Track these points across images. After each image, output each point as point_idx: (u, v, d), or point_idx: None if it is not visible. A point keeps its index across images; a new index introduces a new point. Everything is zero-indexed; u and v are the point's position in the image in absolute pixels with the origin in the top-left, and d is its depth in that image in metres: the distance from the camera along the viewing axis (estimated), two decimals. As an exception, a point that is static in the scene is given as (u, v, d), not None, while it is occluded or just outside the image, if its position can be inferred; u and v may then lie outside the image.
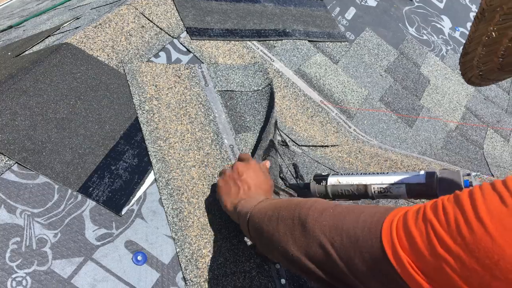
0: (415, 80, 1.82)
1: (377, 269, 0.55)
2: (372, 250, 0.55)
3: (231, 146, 1.20)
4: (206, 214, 1.04)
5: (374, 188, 1.01)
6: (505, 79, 0.75)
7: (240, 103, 1.31)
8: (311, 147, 1.34)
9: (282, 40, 1.57)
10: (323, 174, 1.08)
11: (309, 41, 1.65)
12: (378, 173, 1.03)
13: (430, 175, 0.96)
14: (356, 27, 1.84)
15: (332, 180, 1.07)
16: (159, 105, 1.16)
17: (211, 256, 0.99)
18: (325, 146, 1.37)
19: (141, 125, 1.10)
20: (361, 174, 1.05)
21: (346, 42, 1.75)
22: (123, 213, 0.95)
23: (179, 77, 1.26)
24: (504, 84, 2.15)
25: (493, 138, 1.81)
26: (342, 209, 0.66)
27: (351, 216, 0.63)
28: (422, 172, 0.98)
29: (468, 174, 0.94)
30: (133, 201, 0.98)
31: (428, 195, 0.96)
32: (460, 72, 0.75)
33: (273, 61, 1.50)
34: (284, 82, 1.46)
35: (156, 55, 1.28)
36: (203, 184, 1.09)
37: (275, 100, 1.37)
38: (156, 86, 1.20)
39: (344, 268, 0.60)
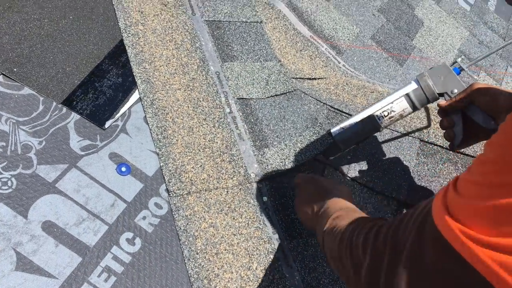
0: (408, 21, 1.80)
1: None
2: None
3: (217, 73, 1.20)
4: (190, 133, 1.06)
5: (377, 114, 1.02)
6: None
7: (227, 32, 1.31)
8: (298, 79, 1.35)
9: (273, -25, 1.55)
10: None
11: (301, -23, 1.63)
12: (376, 102, 1.04)
13: (420, 77, 0.98)
14: (350, -33, 1.81)
15: (336, 130, 1.07)
16: (145, 30, 1.17)
17: (194, 172, 1.01)
18: (313, 78, 1.38)
19: (126, 48, 1.11)
20: (358, 113, 1.05)
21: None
22: (106, 126, 0.97)
23: (165, 5, 1.25)
24: (500, 30, 2.12)
25: (485, 80, 1.81)
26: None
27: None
28: (412, 81, 1.00)
29: (455, 62, 0.96)
30: (117, 116, 1.00)
31: (428, 95, 0.98)
32: None
33: (263, -5, 1.49)
34: (275, 14, 1.46)
35: (143, -18, 1.27)
36: (188, 106, 1.10)
37: (267, 31, 1.37)
38: (141, 12, 1.20)
39: None
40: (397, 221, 0.57)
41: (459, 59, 0.97)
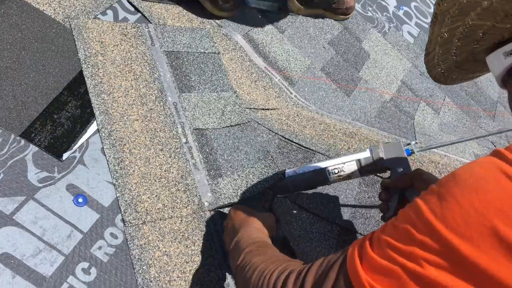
0: (356, 53, 1.93)
1: None
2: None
3: (175, 104, 1.26)
4: (147, 164, 1.11)
5: (329, 170, 1.11)
6: (469, 79, 0.82)
7: (186, 63, 1.37)
8: (252, 109, 1.42)
9: (230, 7, 1.63)
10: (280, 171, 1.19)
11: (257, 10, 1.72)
12: (330, 159, 1.15)
13: (374, 148, 1.09)
14: (304, 0, 1.92)
15: (290, 172, 1.17)
16: (104, 61, 1.21)
17: (150, 201, 1.06)
18: (266, 109, 1.46)
19: (86, 79, 1.14)
20: (314, 163, 1.16)
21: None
22: (64, 158, 1.01)
23: (125, 36, 1.30)
24: (439, 62, 2.30)
25: (424, 110, 1.96)
26: None
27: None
28: (367, 150, 1.11)
29: (409, 144, 1.07)
30: (75, 148, 1.03)
31: (376, 166, 1.08)
32: (426, 71, 0.82)
33: (222, 27, 1.56)
34: (233, 45, 1.53)
35: (103, 13, 1.31)
36: (145, 137, 1.15)
37: (224, 63, 1.45)
38: (102, 43, 1.24)
39: None
40: (305, 270, 0.64)
41: (413, 143, 1.08)
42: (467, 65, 0.75)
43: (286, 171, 1.18)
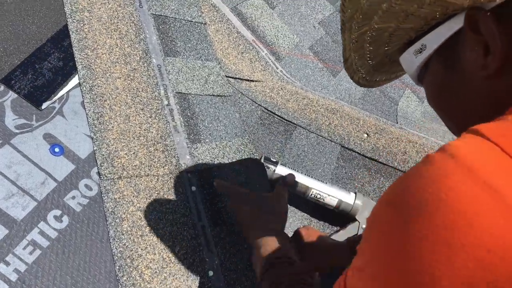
0: (346, 36, 1.94)
1: None
2: None
3: (159, 66, 1.26)
4: (126, 121, 1.11)
5: (313, 192, 1.21)
6: (394, 78, 0.80)
7: (172, 28, 1.37)
8: (237, 79, 1.43)
9: (222, -22, 1.63)
10: (272, 160, 1.23)
11: (249, -17, 1.71)
12: (319, 181, 1.23)
13: (359, 197, 1.21)
14: (297, -21, 1.92)
15: (280, 170, 1.22)
16: (91, 17, 1.20)
17: (127, 158, 1.07)
18: (251, 80, 1.47)
19: (70, 33, 1.14)
20: (305, 175, 1.23)
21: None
22: (43, 107, 1.00)
23: (114, -5, 1.29)
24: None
25: (409, 97, 1.99)
26: None
27: None
28: (352, 194, 1.22)
29: None
30: (54, 99, 1.03)
31: (352, 212, 1.20)
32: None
33: (211, -5, 1.56)
34: (219, 17, 1.53)
35: (93, -29, 1.30)
36: (127, 95, 1.15)
37: (210, 34, 1.45)
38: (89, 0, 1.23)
39: None
40: None
41: None
42: (386, 67, 0.74)
43: (278, 167, 1.22)
